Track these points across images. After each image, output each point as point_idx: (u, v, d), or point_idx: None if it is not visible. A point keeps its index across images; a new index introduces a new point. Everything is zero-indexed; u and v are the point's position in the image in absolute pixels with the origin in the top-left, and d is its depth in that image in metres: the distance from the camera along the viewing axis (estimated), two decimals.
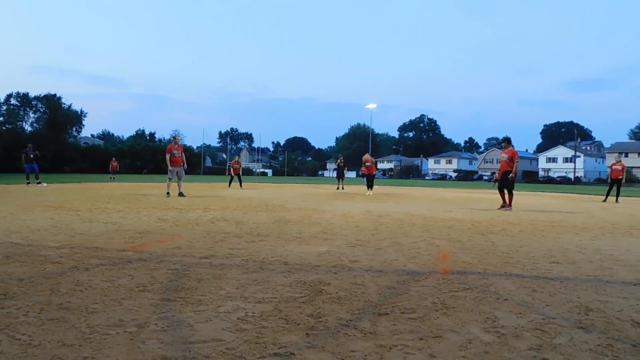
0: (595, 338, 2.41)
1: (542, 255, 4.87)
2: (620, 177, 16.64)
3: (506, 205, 11.11)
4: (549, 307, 2.96)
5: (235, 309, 2.74)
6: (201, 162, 71.11)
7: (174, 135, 15.06)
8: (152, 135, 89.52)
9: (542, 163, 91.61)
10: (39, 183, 18.23)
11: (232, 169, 21.56)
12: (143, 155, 62.75)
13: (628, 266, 4.40)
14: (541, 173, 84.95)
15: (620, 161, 16.90)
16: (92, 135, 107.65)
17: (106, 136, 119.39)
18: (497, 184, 12.08)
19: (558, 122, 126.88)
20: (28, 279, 3.34)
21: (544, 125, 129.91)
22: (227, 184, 21.93)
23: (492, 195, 19.40)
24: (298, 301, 2.95)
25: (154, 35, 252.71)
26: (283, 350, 2.15)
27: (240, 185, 20.69)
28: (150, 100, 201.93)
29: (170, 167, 13.34)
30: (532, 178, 74.22)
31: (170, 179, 13.44)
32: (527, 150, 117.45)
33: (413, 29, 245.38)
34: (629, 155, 76.95)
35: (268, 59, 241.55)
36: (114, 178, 28.19)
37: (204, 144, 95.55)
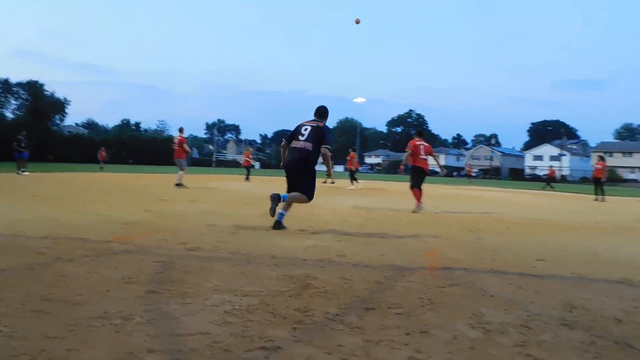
0: (579, 335, 2.44)
1: (528, 252, 4.91)
2: (599, 176, 16.97)
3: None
4: (534, 304, 2.99)
5: (222, 302, 2.72)
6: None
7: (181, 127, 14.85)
8: (137, 125, 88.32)
9: (529, 161, 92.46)
10: (23, 172, 17.95)
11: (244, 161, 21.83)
12: (129, 145, 61.90)
13: (612, 265, 4.47)
14: (527, 171, 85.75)
15: (600, 161, 17.18)
16: (77, 124, 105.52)
17: (90, 125, 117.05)
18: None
19: (545, 121, 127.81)
20: (10, 269, 3.28)
21: (532, 124, 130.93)
22: (245, 177, 21.40)
23: (472, 192, 19.55)
24: (285, 295, 2.94)
25: (141, 23, 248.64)
26: (270, 344, 2.14)
27: (246, 178, 20.74)
28: (136, 89, 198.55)
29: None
30: (518, 175, 74.92)
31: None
32: (513, 147, 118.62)
33: (404, 23, 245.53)
34: (614, 154, 78.03)
35: (258, 50, 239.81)
36: (102, 168, 27.83)
37: (191, 135, 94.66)
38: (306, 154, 5.57)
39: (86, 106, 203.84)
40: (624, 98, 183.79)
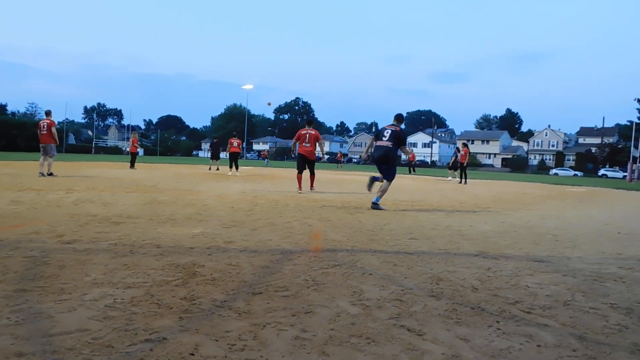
0: (444, 304, 2.76)
1: (403, 232, 5.35)
2: (462, 161, 19.24)
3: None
4: (407, 279, 3.30)
5: (102, 296, 2.60)
6: (63, 139, 63.60)
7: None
8: (3, 107, 77.88)
9: None
10: None
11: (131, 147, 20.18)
12: None
13: (471, 240, 5.05)
14: (403, 157, 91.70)
15: (463, 147, 19.49)
16: None
17: None
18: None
19: (419, 110, 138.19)
20: None
21: (407, 113, 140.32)
22: (130, 164, 19.71)
23: (360, 177, 20.56)
24: (171, 284, 2.89)
25: None
26: (155, 335, 2.11)
27: (131, 165, 19.30)
28: (2, 67, 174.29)
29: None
30: (397, 161, 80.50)
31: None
32: None
33: (292, 13, 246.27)
34: (475, 142, 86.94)
35: (143, 29, 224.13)
36: None
37: (67, 119, 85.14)
38: (387, 150, 7.67)
39: None
40: (483, 90, 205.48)
